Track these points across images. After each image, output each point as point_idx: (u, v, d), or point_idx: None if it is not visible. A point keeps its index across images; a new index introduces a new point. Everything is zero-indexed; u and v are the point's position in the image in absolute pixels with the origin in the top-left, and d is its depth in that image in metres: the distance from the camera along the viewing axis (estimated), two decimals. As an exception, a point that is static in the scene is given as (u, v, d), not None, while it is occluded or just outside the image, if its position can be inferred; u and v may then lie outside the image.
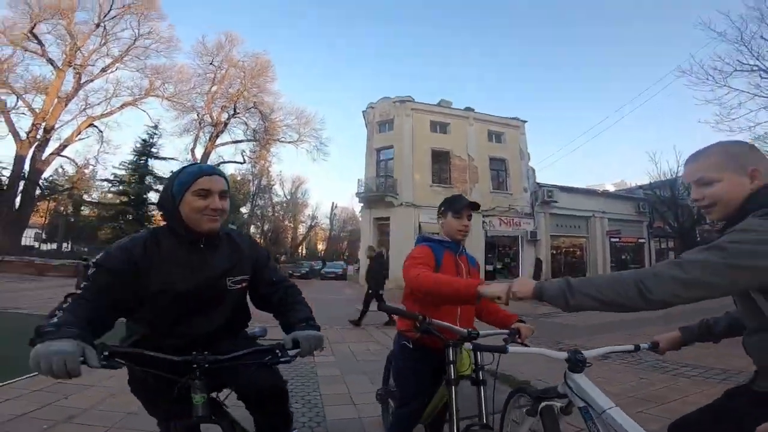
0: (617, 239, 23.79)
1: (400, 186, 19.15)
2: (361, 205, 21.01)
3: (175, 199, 1.38)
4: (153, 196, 28.94)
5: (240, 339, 1.59)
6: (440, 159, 20.42)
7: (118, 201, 27.12)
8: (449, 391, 1.65)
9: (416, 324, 1.64)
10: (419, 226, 18.34)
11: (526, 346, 1.71)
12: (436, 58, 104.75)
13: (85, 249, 23.72)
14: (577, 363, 1.43)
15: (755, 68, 12.40)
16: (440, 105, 21.62)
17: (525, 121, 22.77)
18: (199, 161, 28.44)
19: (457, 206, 2.00)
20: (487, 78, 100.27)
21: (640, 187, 27.70)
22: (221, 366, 1.28)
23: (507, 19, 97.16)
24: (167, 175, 29.15)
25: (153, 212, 29.69)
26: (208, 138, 29.03)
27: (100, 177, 27.92)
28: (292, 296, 1.60)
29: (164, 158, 28.79)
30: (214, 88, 28.42)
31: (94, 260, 1.30)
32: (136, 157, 27.14)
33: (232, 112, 29.02)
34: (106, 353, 1.10)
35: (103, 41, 24.00)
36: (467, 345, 1.53)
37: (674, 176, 24.17)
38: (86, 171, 27.20)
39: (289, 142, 31.00)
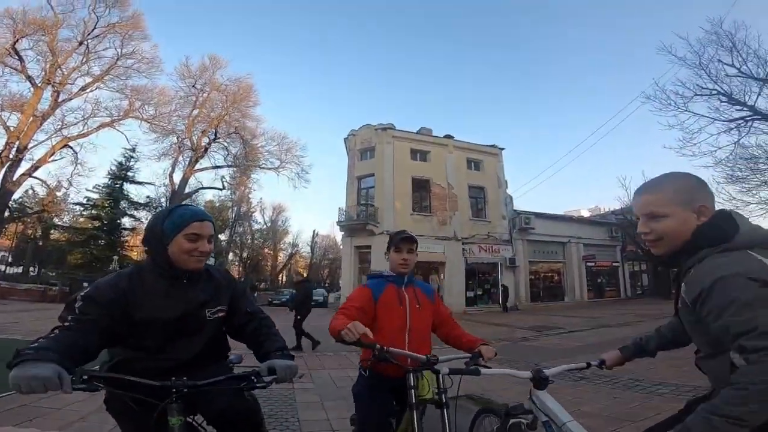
0: (593, 263, 24.42)
1: (381, 214, 19.21)
2: (342, 233, 20.90)
3: (166, 239, 1.46)
4: (127, 222, 28.22)
5: (218, 366, 1.66)
6: (421, 187, 20.67)
7: (89, 225, 26.35)
8: (411, 416, 1.70)
9: (374, 353, 1.68)
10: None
11: (487, 367, 1.80)
12: (415, 85, 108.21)
13: (53, 273, 22.67)
14: (540, 380, 1.61)
15: (714, 92, 12.95)
16: (420, 132, 22.08)
17: (503, 149, 23.51)
18: (177, 186, 27.93)
19: (395, 240, 2.13)
20: (464, 106, 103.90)
21: (613, 212, 28.77)
22: (198, 391, 1.35)
23: (482, 50, 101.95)
24: (143, 200, 28.23)
25: (126, 238, 28.82)
26: (187, 163, 28.55)
27: (72, 200, 27.05)
28: (267, 327, 1.68)
29: (140, 182, 28.27)
30: (195, 112, 28.21)
31: (81, 294, 1.38)
32: (111, 180, 26.57)
33: (212, 137, 28.77)
34: (85, 377, 1.16)
35: (85, 59, 23.73)
36: (444, 369, 1.63)
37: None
38: (58, 193, 26.22)
39: (270, 169, 30.64)
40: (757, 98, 12.43)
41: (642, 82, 45.66)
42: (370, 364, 1.90)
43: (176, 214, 1.50)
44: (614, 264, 25.89)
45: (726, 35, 12.42)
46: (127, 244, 29.05)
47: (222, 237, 39.23)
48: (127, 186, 27.56)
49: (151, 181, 30.21)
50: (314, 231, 64.30)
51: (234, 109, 28.60)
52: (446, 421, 1.69)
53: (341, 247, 23.79)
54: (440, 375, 1.74)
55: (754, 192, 13.63)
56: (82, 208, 27.02)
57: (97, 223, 25.90)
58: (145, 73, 25.73)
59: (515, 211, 22.30)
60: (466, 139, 22.75)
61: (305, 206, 79.95)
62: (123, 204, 27.19)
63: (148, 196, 29.79)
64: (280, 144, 30.44)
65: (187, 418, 1.39)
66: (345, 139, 22.73)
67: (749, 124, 12.62)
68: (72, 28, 22.98)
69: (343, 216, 20.12)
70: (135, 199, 28.37)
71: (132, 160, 27.43)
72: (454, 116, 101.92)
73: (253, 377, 1.40)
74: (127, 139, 27.32)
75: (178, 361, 1.50)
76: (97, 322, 1.32)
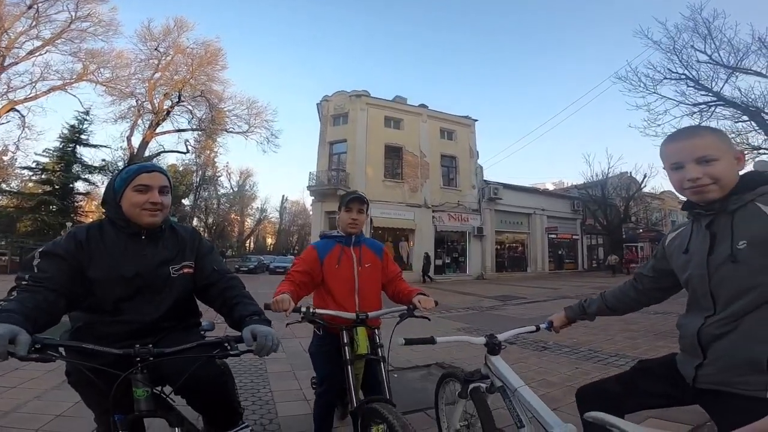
0: (555, 235, 25.51)
1: (352, 180, 19.11)
2: (313, 198, 20.72)
3: (117, 195, 1.44)
4: (81, 186, 26.76)
5: (188, 334, 1.54)
6: (393, 154, 20.63)
7: (40, 191, 24.69)
8: (345, 370, 1.79)
9: (302, 314, 1.77)
10: (371, 220, 18.42)
11: (427, 319, 1.98)
12: (393, 53, 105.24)
13: (1, 242, 21.24)
14: (493, 346, 1.65)
15: (683, 77, 13.41)
16: (395, 101, 21.81)
17: (476, 120, 23.63)
18: (136, 149, 26.41)
19: (346, 200, 2.13)
20: (440, 76, 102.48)
21: (575, 186, 29.87)
22: (166, 359, 1.23)
23: (461, 18, 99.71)
24: (98, 163, 27.01)
25: (80, 203, 27.48)
26: (147, 126, 26.92)
27: (20, 164, 25.28)
28: (237, 289, 1.57)
29: (95, 146, 26.62)
30: (157, 75, 26.42)
31: (39, 251, 1.32)
32: (63, 144, 24.95)
33: (176, 100, 27.12)
34: (38, 345, 1.03)
35: (34, 23, 21.63)
36: (400, 340, 1.65)
37: (605, 177, 26.36)
38: (4, 158, 24.62)
39: (238, 133, 29.45)
40: (723, 85, 13.00)
41: (616, 62, 46.33)
42: (320, 327, 1.93)
43: (125, 169, 1.48)
44: (574, 237, 27.15)
45: (704, 22, 12.71)
46: (81, 209, 27.50)
47: (186, 202, 37.83)
48: (80, 149, 25.87)
49: (108, 144, 28.50)
50: (283, 196, 63.43)
51: (200, 72, 26.94)
52: (382, 374, 1.82)
53: (311, 212, 23.62)
54: (376, 330, 1.89)
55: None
56: (31, 173, 25.18)
57: (48, 188, 24.23)
58: (102, 36, 23.76)
59: (485, 181, 22.70)
60: (441, 110, 22.67)
61: (275, 172, 78.13)
62: (76, 168, 25.48)
63: (103, 160, 28.08)
64: (249, 108, 29.30)
65: (155, 389, 1.27)
66: (318, 104, 22.15)
67: (712, 109, 13.26)
68: None
69: (314, 181, 19.91)
70: (89, 163, 26.66)
71: (86, 122, 25.57)
72: (430, 87, 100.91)
73: (226, 344, 1.27)
74: (80, 102, 25.72)
75: (141, 324, 1.40)
76: (56, 280, 1.25)
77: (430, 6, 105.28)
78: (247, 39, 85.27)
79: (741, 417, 1.00)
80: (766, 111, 12.63)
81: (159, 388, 1.37)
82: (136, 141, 26.93)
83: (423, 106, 22.20)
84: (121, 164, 28.41)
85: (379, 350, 1.87)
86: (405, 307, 1.96)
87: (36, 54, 22.24)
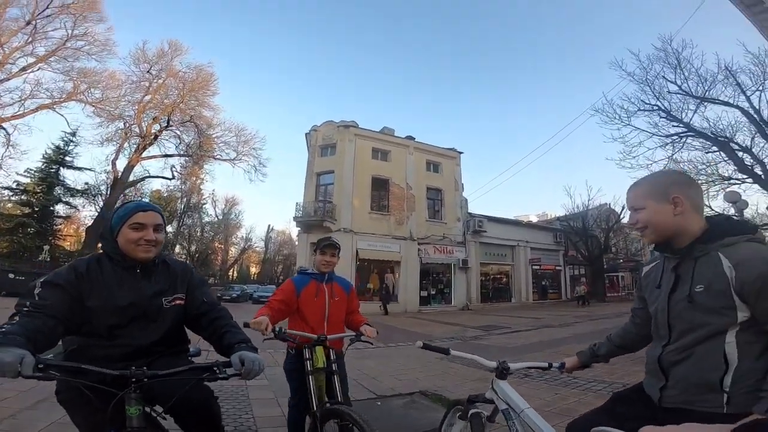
0: (538, 266, 25.84)
1: (338, 211, 19.05)
2: (299, 229, 20.53)
3: (114, 231, 1.56)
4: (61, 209, 26.12)
5: (177, 358, 1.65)
6: (380, 186, 20.74)
7: (18, 212, 24.03)
8: (307, 380, 2.17)
9: (274, 333, 2.13)
10: (356, 252, 18.38)
11: (370, 344, 2.52)
12: (380, 84, 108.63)
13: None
14: (503, 371, 1.77)
15: (655, 108, 13.76)
16: (383, 132, 22.16)
17: (461, 153, 24.17)
18: (120, 173, 26.03)
19: (322, 244, 2.60)
20: (426, 107, 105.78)
21: (558, 218, 30.56)
22: (158, 381, 1.34)
23: (447, 53, 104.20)
24: (81, 186, 26.61)
25: (59, 226, 26.72)
26: (134, 149, 26.48)
27: (0, 184, 24.31)
28: (226, 319, 1.69)
29: (79, 168, 26.12)
30: (147, 98, 26.26)
31: (41, 280, 1.41)
32: (46, 165, 24.44)
33: (164, 124, 26.89)
34: (41, 365, 1.13)
35: (30, 39, 21.56)
36: (419, 343, 2.02)
37: (585, 209, 27.11)
38: None
39: (226, 160, 29.20)
40: (693, 115, 13.38)
41: (596, 93, 48.40)
42: (295, 345, 2.35)
43: (123, 207, 1.60)
44: (557, 267, 27.55)
45: (673, 52, 13.18)
46: (59, 233, 26.69)
47: (169, 229, 37.14)
48: (63, 171, 25.35)
49: (92, 167, 27.92)
50: (269, 225, 62.84)
51: (191, 97, 26.89)
52: (336, 384, 2.20)
53: (297, 242, 23.38)
54: (330, 350, 2.26)
55: (682, 205, 14.98)
56: (11, 193, 24.44)
57: (27, 210, 23.64)
58: (96, 55, 23.66)
59: (469, 214, 23.04)
60: (427, 141, 23.15)
61: (261, 200, 77.78)
62: (58, 190, 24.94)
63: (86, 183, 27.46)
64: (238, 135, 29.10)
65: (146, 407, 1.37)
66: (306, 134, 22.35)
67: (683, 140, 13.61)
68: (22, 7, 20.79)
69: (301, 212, 19.77)
70: (72, 186, 26.06)
71: (71, 144, 25.17)
72: (416, 118, 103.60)
73: (216, 368, 1.39)
74: (67, 122, 24.91)
75: (132, 348, 1.51)
76: (56, 307, 1.35)
77: (416, 43, 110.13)
78: (237, 65, 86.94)
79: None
80: (734, 141, 12.89)
81: (150, 408, 1.46)
82: (121, 165, 26.41)
83: (410, 137, 22.56)
84: (104, 188, 27.95)
85: (333, 366, 2.23)
86: (354, 333, 2.45)
87: (29, 71, 21.98)
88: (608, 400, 1.52)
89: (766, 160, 12.38)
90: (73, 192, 26.18)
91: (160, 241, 1.59)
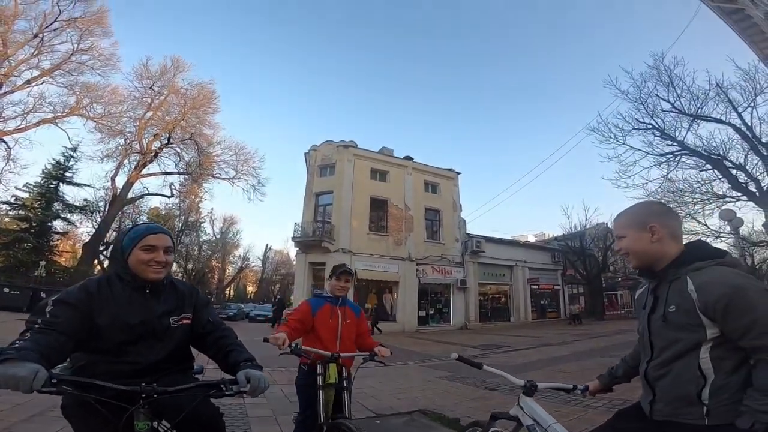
0: (537, 286, 25.76)
1: (337, 232, 19.01)
2: (297, 249, 20.38)
3: (125, 252, 1.62)
4: (59, 225, 26.01)
5: (183, 376, 1.71)
6: (378, 207, 20.78)
7: (16, 226, 23.86)
8: (318, 394, 2.30)
9: (290, 348, 2.26)
10: (355, 272, 18.18)
11: (383, 364, 2.65)
12: (380, 105, 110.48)
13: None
14: (530, 389, 1.86)
15: (649, 126, 13.76)
16: (382, 152, 22.34)
17: (459, 173, 24.39)
18: (119, 190, 26.06)
19: (338, 271, 2.79)
20: (424, 127, 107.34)
21: (555, 238, 30.65)
22: (166, 397, 1.38)
23: (446, 74, 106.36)
24: (79, 203, 26.68)
25: (56, 242, 26.57)
26: (133, 166, 26.49)
27: None
28: (231, 338, 1.73)
29: (78, 184, 26.14)
30: (149, 114, 26.36)
31: (53, 299, 1.46)
32: (45, 180, 24.49)
33: (165, 141, 26.94)
34: (54, 380, 1.18)
35: (36, 52, 21.71)
36: (454, 355, 2.11)
37: (583, 229, 27.23)
38: None
39: (225, 179, 29.17)
40: (686, 134, 13.40)
41: (590, 113, 49.00)
42: (309, 362, 2.45)
43: (134, 229, 1.67)
44: (555, 287, 27.46)
45: (665, 70, 13.24)
46: (56, 248, 26.49)
47: (168, 247, 36.86)
48: (63, 187, 25.34)
49: (91, 183, 27.84)
50: (267, 245, 62.51)
51: (192, 114, 27.04)
52: (345, 399, 2.34)
53: (295, 263, 23.27)
54: (342, 367, 2.40)
55: (678, 224, 14.95)
56: (8, 208, 24.32)
57: (24, 225, 23.51)
58: (100, 70, 23.81)
59: (468, 234, 23.11)
60: (425, 162, 23.33)
61: (259, 220, 77.68)
62: (56, 206, 24.88)
63: (85, 199, 27.48)
64: (237, 154, 29.19)
65: (153, 423, 1.42)
66: (306, 153, 22.51)
67: (677, 158, 13.57)
68: (30, 20, 21.08)
69: (299, 232, 19.69)
70: (70, 202, 26.02)
71: (72, 159, 25.24)
72: (414, 138, 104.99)
73: (222, 386, 1.44)
74: (68, 137, 25.21)
75: (140, 366, 1.55)
76: (67, 325, 1.39)
77: (417, 64, 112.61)
78: (238, 84, 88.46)
79: None
80: (727, 158, 12.89)
81: (158, 423, 1.51)
82: (120, 181, 26.37)
83: (408, 158, 22.72)
84: (102, 204, 27.88)
85: (344, 382, 2.38)
86: (368, 352, 2.60)
87: (33, 84, 22.00)
88: (612, 416, 1.60)
89: (759, 177, 12.45)
90: (71, 208, 26.13)
91: (170, 263, 1.67)
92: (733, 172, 12.78)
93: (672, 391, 1.29)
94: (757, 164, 12.64)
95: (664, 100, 13.44)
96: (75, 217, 26.97)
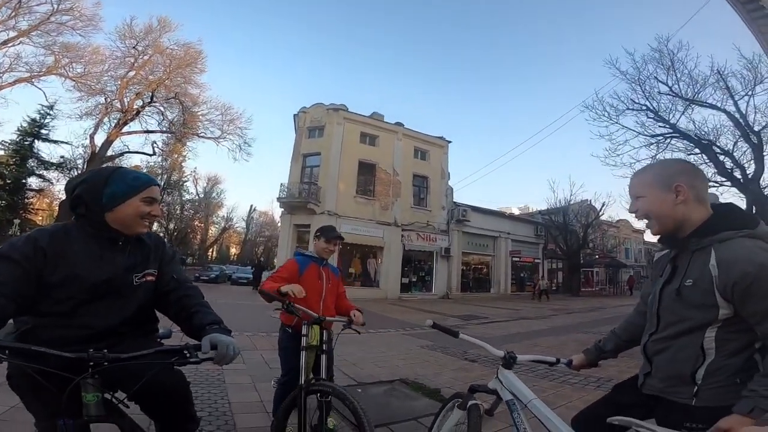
0: (518, 258, 26.29)
1: (323, 194, 18.90)
2: (282, 210, 20.30)
3: (116, 200, 1.41)
4: (34, 182, 25.23)
5: (146, 340, 1.51)
6: (366, 171, 20.61)
7: (-12, 184, 23.01)
8: (301, 356, 2.28)
9: (283, 305, 2.27)
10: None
11: (357, 333, 2.66)
12: (372, 70, 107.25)
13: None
14: (509, 361, 1.73)
15: (644, 108, 13.72)
16: (372, 117, 21.91)
17: (450, 142, 24.14)
18: (98, 148, 25.15)
19: (330, 236, 2.82)
20: (416, 96, 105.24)
21: (540, 212, 31.03)
22: (121, 365, 1.21)
23: (442, 43, 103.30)
24: (57, 160, 25.66)
25: (31, 200, 25.88)
26: (114, 124, 25.46)
27: None
28: (196, 298, 1.56)
29: (55, 141, 25.18)
30: (131, 73, 25.13)
31: None
32: (21, 137, 23.62)
33: (148, 100, 25.89)
34: None
35: (14, 13, 20.27)
36: (429, 322, 1.99)
37: (567, 204, 27.58)
38: None
39: (210, 138, 28.27)
40: (680, 117, 13.38)
41: (586, 91, 48.50)
42: (294, 324, 2.53)
43: (130, 177, 1.46)
44: (536, 260, 28.08)
45: (668, 53, 13.02)
46: (31, 206, 25.78)
47: (148, 206, 36.20)
48: (38, 144, 24.41)
49: (69, 140, 26.82)
50: (251, 206, 61.90)
51: (177, 74, 25.78)
52: (323, 364, 2.34)
53: (279, 224, 23.13)
54: (325, 330, 2.40)
55: (660, 205, 15.26)
56: (-19, 165, 23.39)
57: (-1, 182, 22.62)
58: (81, 30, 22.38)
59: (454, 202, 23.13)
60: (416, 129, 22.96)
61: (244, 181, 76.38)
62: (31, 163, 24.05)
63: (62, 156, 26.48)
64: (224, 114, 28.19)
65: (105, 394, 1.25)
66: (295, 115, 21.94)
67: (668, 141, 13.63)
68: None
69: (285, 193, 19.47)
70: (46, 159, 25.13)
71: (48, 117, 24.24)
72: (406, 105, 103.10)
73: (186, 351, 1.25)
74: (45, 96, 23.94)
75: (96, 330, 1.37)
76: (8, 285, 1.20)
77: (411, 31, 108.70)
78: (227, 43, 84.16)
79: (675, 419, 1.18)
80: (717, 144, 12.99)
81: (111, 394, 1.34)
82: (99, 139, 25.30)
83: (399, 124, 22.37)
84: (80, 162, 26.95)
85: (324, 345, 2.39)
86: (347, 319, 2.60)
87: (9, 45, 20.80)
88: (611, 389, 1.54)
89: (746, 165, 12.58)
90: (47, 165, 25.23)
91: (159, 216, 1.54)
92: (721, 158, 12.92)
93: (668, 367, 1.23)
94: (745, 152, 12.75)
95: (662, 83, 13.32)
96: (51, 175, 26.03)
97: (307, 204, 18.45)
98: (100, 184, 1.42)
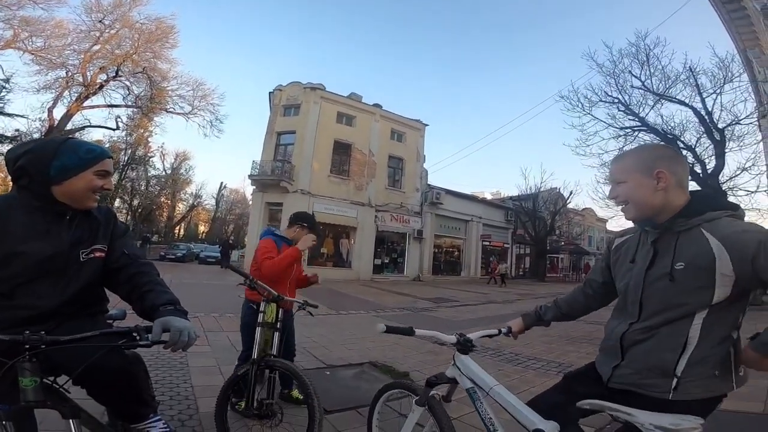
0: (488, 243, 26.88)
1: (297, 172, 18.64)
2: (254, 188, 19.90)
3: (67, 172, 1.32)
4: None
5: (93, 322, 1.41)
6: (342, 151, 20.44)
7: (-65, 157, 21.21)
8: (256, 331, 2.40)
9: (246, 281, 2.40)
10: (313, 214, 18.02)
11: (311, 315, 2.75)
12: (351, 51, 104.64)
13: None
14: (465, 345, 1.61)
15: (616, 100, 14.13)
16: (350, 97, 21.61)
17: (427, 125, 24.16)
18: (56, 122, 23.66)
19: (315, 226, 3.00)
20: (395, 77, 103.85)
21: (511, 197, 31.73)
22: (64, 348, 1.12)
23: (422, 27, 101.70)
24: (11, 133, 23.81)
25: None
26: (74, 98, 23.98)
27: None
28: (150, 275, 1.45)
29: (10, 114, 23.20)
30: (96, 47, 23.57)
31: None
32: None
33: (113, 74, 24.49)
34: None
35: None
36: (381, 327, 1.78)
37: (537, 191, 28.31)
38: None
39: (179, 114, 27.15)
40: (649, 111, 13.84)
41: (564, 81, 49.13)
42: (255, 300, 2.61)
43: (83, 149, 1.37)
44: (505, 245, 28.84)
45: (645, 48, 13.32)
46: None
47: (110, 181, 34.53)
48: (-9, 117, 22.54)
49: (25, 114, 24.92)
50: (222, 183, 60.04)
51: (146, 48, 24.39)
52: (275, 342, 2.41)
53: (251, 202, 22.65)
54: (281, 310, 2.47)
55: (622, 195, 15.92)
56: (-72, 138, 21.50)
57: (-55, 155, 20.90)
58: (43, 4, 20.63)
59: (428, 185, 23.29)
60: (393, 111, 22.82)
61: (215, 158, 73.81)
62: (-17, 136, 22.31)
63: (17, 130, 24.66)
64: (195, 90, 27.03)
65: (45, 378, 1.16)
66: (270, 93, 21.40)
67: (636, 133, 14.04)
68: None
69: (257, 170, 19.10)
70: (0, 132, 23.38)
71: (3, 90, 22.37)
72: (384, 87, 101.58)
73: (135, 334, 1.17)
74: (1, 69, 21.95)
75: (38, 310, 1.27)
76: None
77: (394, 14, 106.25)
78: (204, 19, 79.45)
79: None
80: (681, 139, 13.49)
81: (53, 378, 1.25)
82: (59, 113, 23.82)
83: (377, 105, 22.18)
84: (37, 135, 25.34)
85: (279, 324, 2.46)
86: (302, 301, 2.69)
87: None
88: (562, 379, 1.50)
89: (706, 160, 13.10)
90: (1, 139, 23.46)
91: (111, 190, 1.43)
92: (684, 152, 13.45)
93: (647, 358, 1.18)
94: (707, 148, 13.28)
95: (636, 77, 13.66)
96: (4, 148, 24.28)
97: (280, 182, 18.17)
98: (48, 155, 1.31)
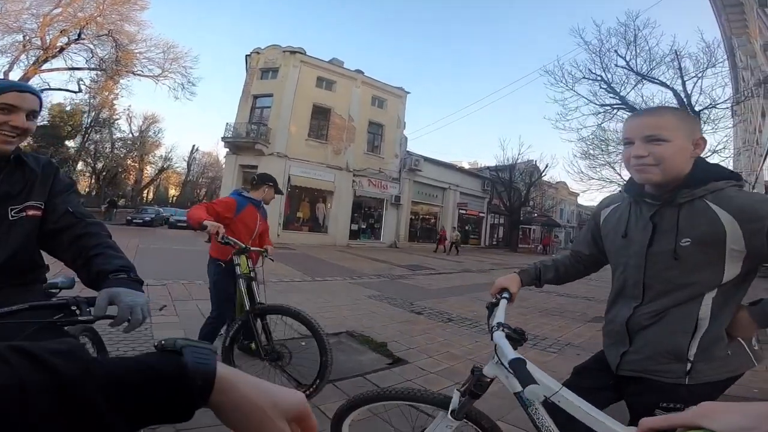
0: (464, 211, 27.22)
1: (273, 135, 18.10)
2: (227, 150, 19.27)
3: None
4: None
5: (27, 292, 1.19)
6: (321, 115, 19.92)
7: None
8: (238, 283, 2.60)
9: (217, 235, 2.43)
10: (289, 178, 17.69)
11: (272, 260, 3.18)
12: (333, 14, 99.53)
13: None
14: (517, 337, 1.15)
15: (599, 78, 14.19)
16: (332, 62, 20.85)
17: (408, 93, 23.75)
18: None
19: (278, 188, 3.24)
20: (378, 44, 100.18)
21: (488, 167, 31.92)
22: None
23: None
24: None
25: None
26: (32, 62, 22.34)
27: None
28: (99, 237, 1.23)
29: (-40, 79, 21.21)
30: (57, 11, 21.65)
31: None
32: None
33: (75, 38, 22.79)
34: None
35: None
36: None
37: (515, 162, 28.55)
38: None
39: (148, 76, 25.79)
40: (630, 90, 13.97)
41: (550, 56, 48.67)
42: (228, 259, 2.71)
43: None
44: (480, 214, 29.27)
45: (634, 29, 13.23)
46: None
47: (71, 144, 32.59)
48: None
49: (-23, 78, 22.60)
50: (194, 146, 57.57)
51: (112, 11, 22.68)
52: (255, 289, 2.64)
53: (224, 164, 21.90)
54: (250, 261, 2.75)
55: (598, 169, 16.36)
56: None
57: None
58: None
59: (408, 152, 23.11)
60: (376, 77, 22.22)
61: (188, 121, 70.32)
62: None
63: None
64: (166, 52, 25.69)
65: None
66: (247, 56, 20.38)
67: (615, 111, 14.23)
68: None
69: (231, 132, 18.43)
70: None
71: None
72: (366, 53, 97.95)
73: (74, 307, 0.99)
74: None
75: None
76: None
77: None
78: None
79: (649, 399, 1.06)
80: None
81: None
82: (15, 77, 22.04)
83: (359, 71, 21.54)
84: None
85: (252, 273, 2.69)
86: (263, 249, 3.03)
87: None
88: (571, 374, 1.36)
89: None
90: None
91: (30, 130, 1.15)
92: None
93: (657, 342, 1.09)
94: (682, 128, 13.80)
95: (621, 57, 13.68)
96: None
97: (255, 144, 17.66)
98: None
